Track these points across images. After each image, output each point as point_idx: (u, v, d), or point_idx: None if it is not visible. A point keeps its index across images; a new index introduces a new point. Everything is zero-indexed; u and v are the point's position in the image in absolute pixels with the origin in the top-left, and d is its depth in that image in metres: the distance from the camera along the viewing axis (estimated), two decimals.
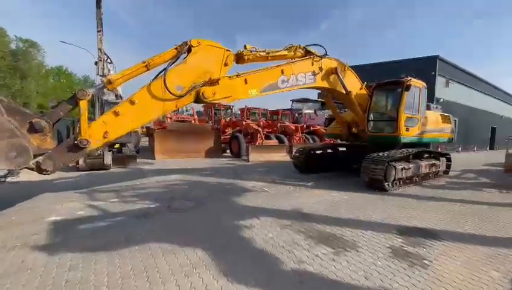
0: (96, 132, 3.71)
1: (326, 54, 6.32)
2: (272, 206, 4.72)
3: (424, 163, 7.32)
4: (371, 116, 7.33)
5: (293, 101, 22.18)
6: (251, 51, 5.19)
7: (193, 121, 14.01)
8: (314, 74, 6.20)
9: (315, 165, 8.49)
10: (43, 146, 3.35)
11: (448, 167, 8.77)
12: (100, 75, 8.55)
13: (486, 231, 3.86)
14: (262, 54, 5.43)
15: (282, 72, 5.61)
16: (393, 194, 6.00)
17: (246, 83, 5.09)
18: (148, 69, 4.22)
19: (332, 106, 7.97)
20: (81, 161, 7.40)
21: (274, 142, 12.34)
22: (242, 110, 16.97)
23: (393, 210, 4.72)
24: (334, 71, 6.45)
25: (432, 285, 2.40)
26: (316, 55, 6.17)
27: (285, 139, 13.04)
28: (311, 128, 15.23)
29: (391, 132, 6.83)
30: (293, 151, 12.14)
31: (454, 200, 5.56)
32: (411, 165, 6.79)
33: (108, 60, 8.67)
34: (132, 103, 3.93)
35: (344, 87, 6.79)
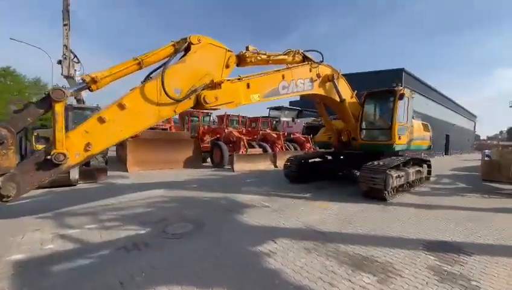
0: (75, 144, 2.93)
1: (322, 61, 6.14)
2: (282, 225, 4.23)
3: (412, 170, 7.45)
4: (364, 125, 7.30)
5: (270, 108, 22.21)
6: (253, 53, 4.75)
7: (169, 129, 12.98)
8: (312, 80, 5.98)
9: (306, 175, 8.20)
10: (3, 164, 2.50)
11: (429, 173, 9.13)
12: (65, 76, 7.39)
13: (502, 240, 3.81)
14: (264, 57, 5.03)
15: (283, 77, 5.28)
16: (392, 203, 5.91)
17: (248, 87, 4.64)
18: (140, 68, 3.55)
19: (324, 114, 7.82)
20: None
21: (258, 150, 11.89)
22: (221, 117, 16.33)
23: (404, 222, 4.54)
24: (330, 78, 6.31)
25: None
26: (314, 62, 5.96)
27: (268, 148, 12.67)
28: (292, 136, 15.10)
29: (385, 140, 6.83)
30: (277, 160, 11.93)
31: (453, 208, 5.62)
32: (404, 173, 6.83)
33: (75, 59, 7.55)
34: (122, 107, 3.22)
35: (339, 94, 6.66)
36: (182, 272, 2.67)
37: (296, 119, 19.41)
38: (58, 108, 2.75)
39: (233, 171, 10.20)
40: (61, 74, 7.36)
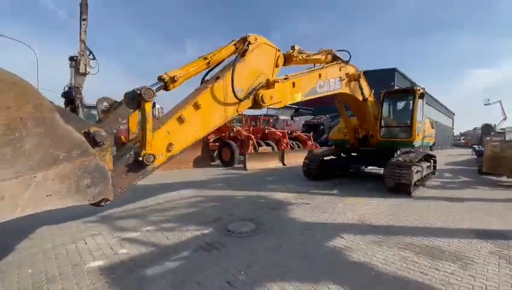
0: (159, 145, 2.88)
1: (349, 60, 6.33)
2: (335, 221, 4.37)
3: (425, 165, 7.86)
4: (383, 123, 7.59)
5: (268, 107, 22.26)
6: (298, 53, 4.84)
7: None
8: (341, 79, 6.15)
9: (324, 172, 8.39)
10: None
11: (435, 167, 9.66)
12: (81, 73, 7.07)
13: None
14: (305, 56, 5.13)
15: (320, 76, 5.41)
16: (418, 197, 6.23)
17: (293, 86, 4.74)
18: (208, 66, 3.53)
19: (345, 113, 8.02)
20: None
21: (268, 149, 11.97)
22: (253, 118, 16.21)
23: (441, 214, 4.83)
24: (356, 78, 6.51)
25: None
26: (342, 61, 6.13)
27: (275, 146, 12.79)
28: (294, 134, 15.32)
29: (406, 137, 7.16)
30: (285, 159, 12.07)
31: (475, 199, 6.03)
32: (420, 168, 7.20)
33: (91, 56, 7.25)
34: (197, 107, 3.21)
35: (363, 93, 6.90)
36: (277, 268, 2.72)
37: (294, 118, 19.73)
38: (148, 107, 2.68)
39: (245, 169, 10.21)
40: (77, 72, 7.05)
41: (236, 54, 3.69)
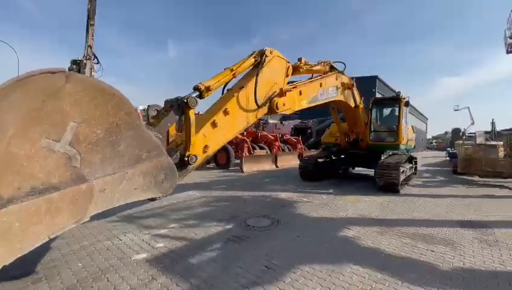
0: (197, 147, 3.23)
1: (344, 70, 6.96)
2: (338, 215, 4.88)
3: (408, 166, 8.68)
4: (372, 128, 8.31)
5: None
6: (304, 64, 5.37)
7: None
8: (337, 88, 6.74)
9: (317, 174, 8.95)
10: None
11: (416, 169, 10.58)
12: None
13: (505, 217, 4.95)
14: (308, 67, 5.66)
15: (321, 85, 5.95)
16: (405, 194, 6.94)
17: (300, 94, 5.22)
18: (234, 76, 3.91)
19: (337, 118, 8.66)
20: None
21: (263, 152, 12.40)
22: None
23: (428, 209, 5.51)
24: (350, 86, 7.15)
25: None
26: (338, 71, 6.75)
27: (267, 149, 13.26)
28: (284, 137, 15.89)
29: (393, 140, 7.91)
30: (278, 161, 12.57)
31: (453, 196, 6.83)
32: (405, 169, 7.97)
33: (95, 60, 7.34)
34: (226, 113, 3.61)
35: (355, 101, 7.56)
36: (302, 254, 3.15)
37: (283, 122, 20.36)
38: (192, 114, 3.03)
39: (242, 172, 10.56)
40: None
41: (259, 67, 4.11)
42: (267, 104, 4.28)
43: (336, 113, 8.48)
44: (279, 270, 2.77)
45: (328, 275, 2.70)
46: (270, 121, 19.97)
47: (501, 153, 10.25)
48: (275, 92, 4.45)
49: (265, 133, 14.92)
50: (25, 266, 2.75)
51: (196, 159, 3.07)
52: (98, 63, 7.39)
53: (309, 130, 18.89)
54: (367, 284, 2.53)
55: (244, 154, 11.75)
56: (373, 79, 21.24)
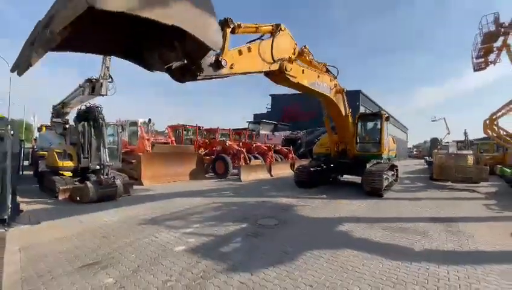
0: (229, 59, 4.06)
1: (337, 75, 8.10)
2: (333, 216, 5.76)
3: (390, 173, 9.78)
4: (358, 139, 9.38)
5: (249, 122, 23.76)
6: (308, 52, 6.71)
7: (170, 143, 13.39)
8: (330, 88, 7.81)
9: (311, 181, 9.85)
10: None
11: (397, 176, 11.74)
12: (103, 95, 7.81)
13: (468, 214, 6.02)
14: (309, 59, 6.84)
15: (318, 76, 7.06)
16: (388, 198, 7.96)
17: (303, 73, 6.27)
18: (257, 31, 4.88)
19: (329, 127, 9.68)
20: (92, 191, 6.49)
21: (258, 162, 13.23)
22: (208, 130, 17.18)
23: (407, 209, 6.52)
24: (341, 91, 8.26)
25: (483, 244, 4.03)
26: (332, 74, 7.87)
27: (261, 159, 14.11)
28: (276, 147, 16.82)
29: (376, 151, 8.99)
30: (272, 170, 13.43)
31: (428, 198, 7.92)
32: (388, 176, 9.04)
33: (109, 79, 8.04)
34: (249, 50, 4.62)
35: (345, 108, 8.64)
36: (311, 243, 3.97)
37: (275, 132, 21.37)
38: (228, 31, 4.00)
39: (240, 180, 11.31)
40: (101, 93, 7.80)
41: (274, 34, 5.16)
42: (278, 62, 5.28)
43: (329, 123, 9.51)
44: (293, 254, 3.58)
45: (331, 255, 3.54)
46: (262, 132, 20.94)
47: (470, 161, 11.64)
48: (285, 57, 5.48)
49: (259, 144, 15.81)
50: (84, 258, 3.41)
51: (226, 63, 3.90)
52: (111, 82, 8.08)
53: (299, 141, 19.97)
54: (360, 260, 3.39)
55: (241, 164, 12.54)
56: (357, 93, 22.86)
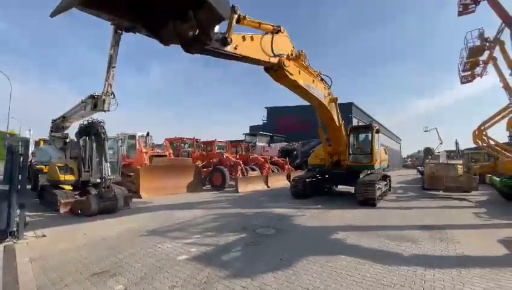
0: (234, 40, 4.60)
1: (331, 85, 8.59)
2: (329, 224, 6.00)
3: (383, 183, 10.09)
4: (351, 151, 9.74)
5: (245, 134, 24.12)
6: (305, 57, 7.14)
7: (168, 156, 13.58)
8: (324, 96, 8.25)
9: (307, 192, 10.09)
10: None
11: (390, 186, 12.06)
12: (105, 110, 8.09)
13: (455, 221, 6.31)
14: (306, 64, 7.27)
15: (313, 81, 7.57)
16: (381, 207, 8.23)
17: (299, 73, 6.80)
18: (259, 27, 5.42)
19: (323, 137, 10.05)
20: (93, 204, 6.64)
21: (255, 173, 13.46)
22: (205, 143, 17.45)
23: (399, 217, 6.79)
24: (334, 101, 8.71)
25: (469, 249, 4.32)
26: (327, 84, 8.34)
27: (258, 170, 14.36)
28: (272, 159, 17.12)
29: (368, 162, 9.34)
30: (268, 182, 13.65)
31: (419, 207, 8.22)
32: (381, 186, 9.35)
33: (112, 95, 8.33)
34: (252, 39, 5.18)
35: (338, 118, 9.04)
36: (307, 249, 4.19)
37: (271, 144, 21.72)
38: (233, 17, 4.55)
39: (238, 192, 11.50)
40: (103, 109, 8.07)
41: (274, 33, 5.71)
42: (277, 57, 5.78)
43: (323, 134, 9.89)
44: (290, 261, 3.80)
45: (325, 261, 3.77)
46: (259, 144, 21.27)
47: (460, 171, 12.06)
48: (283, 54, 6.00)
49: (256, 155, 16.10)
50: (93, 267, 3.59)
51: (232, 41, 4.40)
52: (114, 98, 8.37)
53: (295, 152, 20.33)
54: (352, 266, 3.63)
55: (238, 176, 12.76)
56: (349, 105, 23.54)
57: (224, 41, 4.30)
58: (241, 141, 22.27)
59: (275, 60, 5.79)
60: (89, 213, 6.56)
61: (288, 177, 14.89)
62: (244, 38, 5.00)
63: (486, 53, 15.73)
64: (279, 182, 14.36)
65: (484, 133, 16.60)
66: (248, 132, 31.11)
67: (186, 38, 3.78)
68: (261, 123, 38.22)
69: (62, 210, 7.01)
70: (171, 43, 3.95)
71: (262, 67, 6.13)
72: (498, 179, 10.19)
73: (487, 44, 15.29)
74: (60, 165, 8.18)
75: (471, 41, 15.86)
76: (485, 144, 16.59)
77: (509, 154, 14.36)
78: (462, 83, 20.27)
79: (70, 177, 7.99)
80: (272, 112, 36.97)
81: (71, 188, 8.22)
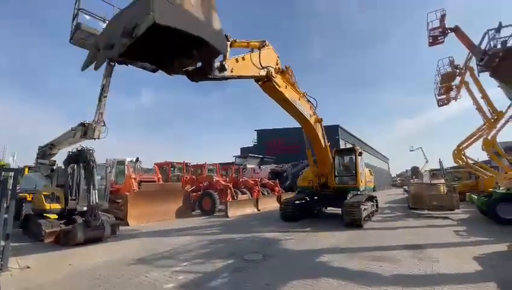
0: (230, 64, 5.05)
1: (316, 107, 9.10)
2: (317, 247, 6.13)
3: (370, 204, 10.36)
4: (336, 173, 10.07)
5: (236, 157, 24.32)
6: (291, 74, 7.69)
7: (157, 181, 13.53)
8: (310, 115, 8.70)
9: (297, 214, 10.18)
10: None
11: (377, 206, 12.33)
12: (95, 138, 8.21)
13: (438, 240, 6.57)
14: (292, 82, 7.78)
15: (299, 98, 8.08)
16: (368, 228, 8.43)
17: (286, 88, 7.30)
18: (248, 46, 6.13)
19: (311, 159, 10.35)
20: (79, 233, 6.55)
21: (245, 196, 13.51)
22: (195, 166, 17.49)
23: (384, 238, 7.00)
24: (319, 121, 9.16)
25: (445, 267, 4.55)
26: (312, 104, 8.82)
27: (248, 193, 14.42)
28: (263, 181, 17.25)
29: (353, 183, 9.66)
30: (259, 205, 13.69)
31: (404, 227, 8.47)
32: (367, 207, 9.60)
33: (102, 123, 8.51)
34: (243, 58, 5.65)
35: (324, 139, 9.43)
36: (294, 275, 4.31)
37: (261, 166, 21.93)
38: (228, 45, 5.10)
39: (227, 217, 11.46)
40: (92, 137, 8.20)
41: (261, 48, 6.30)
42: (266, 69, 6.29)
43: (311, 155, 10.22)
44: (276, 285, 3.90)
45: (310, 284, 3.90)
46: (249, 166, 21.44)
47: (442, 190, 12.52)
48: (270, 66, 6.53)
49: (246, 178, 16.21)
50: None
51: (228, 67, 4.86)
52: (104, 126, 8.55)
53: (285, 174, 20.57)
54: (335, 287, 3.78)
55: (228, 199, 12.78)
56: (335, 128, 24.41)
57: (223, 68, 4.82)
58: (232, 163, 22.44)
59: (263, 73, 6.37)
60: (75, 243, 6.45)
61: (278, 199, 14.97)
62: (237, 60, 5.54)
63: (458, 78, 17.01)
64: (270, 204, 14.41)
65: (463, 152, 17.47)
66: (239, 154, 31.37)
67: (191, 70, 4.44)
68: (251, 145, 38.70)
69: (47, 240, 6.85)
70: (177, 74, 4.52)
71: (253, 79, 6.75)
72: (476, 197, 10.67)
73: (457, 70, 16.58)
74: (46, 193, 8.09)
75: (442, 69, 17.09)
76: (464, 163, 17.41)
77: (488, 173, 15.13)
78: (439, 105, 21.52)
79: (56, 206, 7.88)
80: (262, 134, 37.67)
81: (56, 217, 8.08)
